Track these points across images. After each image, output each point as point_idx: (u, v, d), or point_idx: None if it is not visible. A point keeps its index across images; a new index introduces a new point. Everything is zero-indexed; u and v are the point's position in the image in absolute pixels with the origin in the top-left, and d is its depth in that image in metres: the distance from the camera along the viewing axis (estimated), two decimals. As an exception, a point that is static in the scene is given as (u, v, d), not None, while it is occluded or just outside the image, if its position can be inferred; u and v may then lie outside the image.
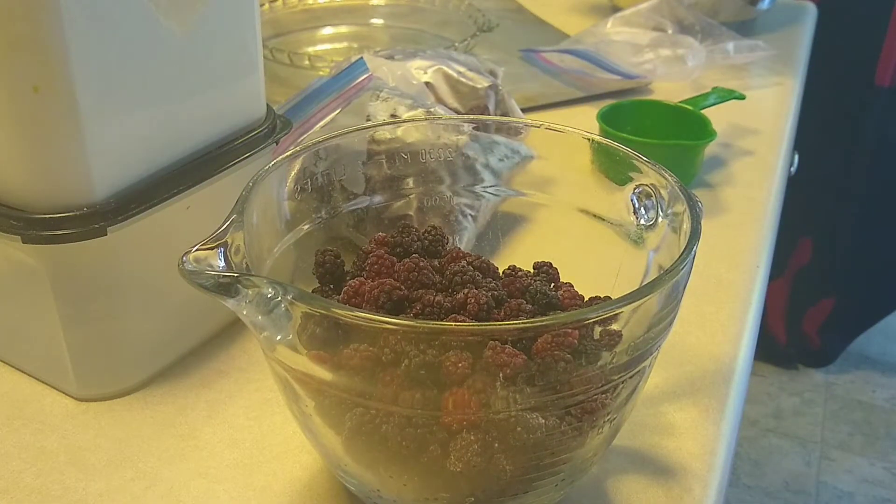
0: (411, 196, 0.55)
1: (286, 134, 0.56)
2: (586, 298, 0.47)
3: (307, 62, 0.88)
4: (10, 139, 0.45)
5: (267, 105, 0.56)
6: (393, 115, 0.63)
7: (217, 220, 0.40)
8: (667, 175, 0.45)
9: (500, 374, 0.37)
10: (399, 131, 0.53)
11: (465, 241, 0.57)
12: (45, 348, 0.51)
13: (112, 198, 0.47)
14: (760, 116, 0.89)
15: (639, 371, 0.40)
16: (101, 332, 0.50)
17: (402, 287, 0.44)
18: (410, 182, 0.54)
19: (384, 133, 0.54)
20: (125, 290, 0.50)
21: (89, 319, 0.49)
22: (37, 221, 0.45)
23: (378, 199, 0.54)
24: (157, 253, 0.49)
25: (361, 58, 0.69)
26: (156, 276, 0.50)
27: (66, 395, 0.52)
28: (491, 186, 0.55)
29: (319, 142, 0.48)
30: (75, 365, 0.50)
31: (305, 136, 0.64)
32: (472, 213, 0.58)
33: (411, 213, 0.55)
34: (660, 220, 0.46)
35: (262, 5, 1.01)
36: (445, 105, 0.72)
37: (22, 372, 0.53)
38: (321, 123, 0.64)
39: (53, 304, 0.48)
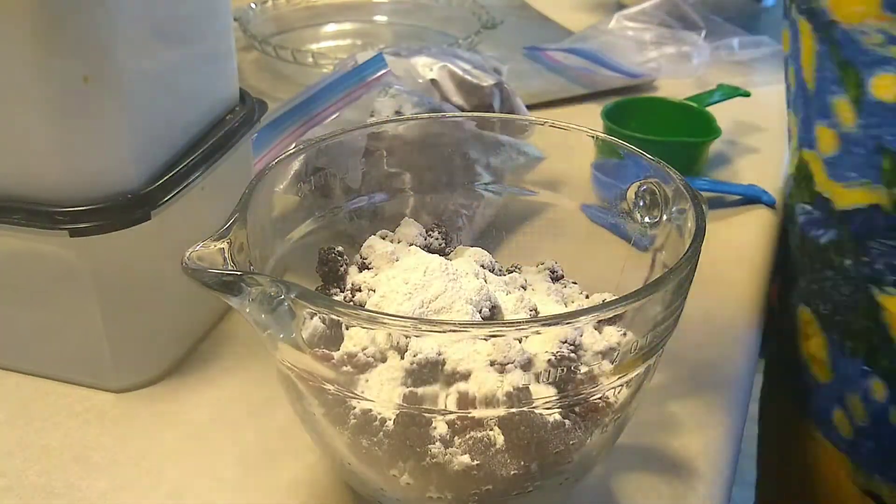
0: (408, 195, 0.54)
1: (266, 111, 0.59)
2: (590, 297, 0.47)
3: (311, 59, 0.88)
4: (56, 132, 0.45)
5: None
6: (398, 112, 0.63)
7: (224, 196, 0.40)
8: (671, 172, 0.45)
9: (504, 372, 0.37)
10: (401, 128, 0.53)
11: (461, 242, 0.57)
12: (81, 345, 0.51)
13: (147, 183, 0.48)
14: (765, 113, 0.89)
15: (643, 369, 0.40)
16: (140, 319, 0.50)
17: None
18: (408, 180, 0.54)
19: (385, 130, 0.53)
20: (160, 273, 0.50)
21: (129, 308, 0.50)
22: (83, 214, 0.46)
23: (377, 196, 0.54)
24: (182, 234, 0.49)
25: (380, 53, 0.69)
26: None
27: (103, 389, 0.52)
28: (491, 184, 0.54)
29: (321, 139, 0.48)
30: (115, 357, 0.50)
31: (316, 128, 0.64)
32: (468, 214, 0.57)
33: (406, 211, 0.55)
34: (664, 217, 0.46)
35: (265, 2, 1.01)
36: (451, 103, 0.71)
37: (40, 377, 0.53)
38: (333, 117, 0.64)
39: (94, 296, 0.48)
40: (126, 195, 0.47)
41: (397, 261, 0.45)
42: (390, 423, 0.38)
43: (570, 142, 0.50)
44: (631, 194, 0.47)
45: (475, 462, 0.38)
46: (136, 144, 0.47)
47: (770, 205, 0.73)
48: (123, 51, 0.45)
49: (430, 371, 0.37)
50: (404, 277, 0.42)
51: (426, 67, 0.73)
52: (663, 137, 0.75)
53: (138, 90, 0.46)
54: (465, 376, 0.37)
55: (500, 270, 0.48)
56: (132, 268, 0.49)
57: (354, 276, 0.45)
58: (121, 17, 0.44)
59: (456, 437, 0.38)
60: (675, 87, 0.92)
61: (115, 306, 0.49)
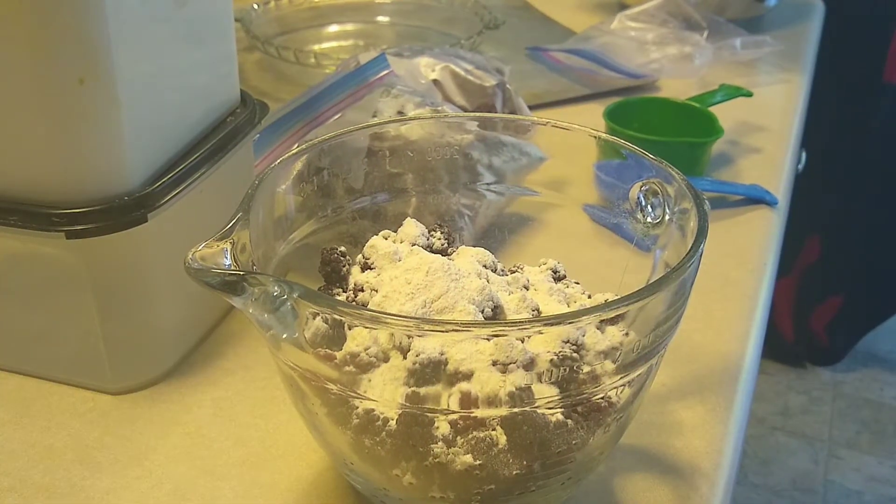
0: (411, 195, 0.54)
1: (267, 114, 0.58)
2: (593, 296, 0.47)
3: (313, 60, 0.88)
4: (51, 134, 0.45)
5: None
6: (400, 112, 0.63)
7: (224, 198, 0.40)
8: (673, 172, 0.45)
9: (506, 372, 0.37)
10: (403, 129, 0.53)
11: (463, 242, 0.57)
12: (78, 346, 0.51)
13: (145, 185, 0.48)
14: (768, 113, 0.89)
15: (646, 369, 0.40)
16: (137, 321, 0.50)
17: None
18: (410, 180, 0.54)
19: (388, 130, 0.54)
20: (158, 275, 0.50)
21: (126, 310, 0.50)
22: (80, 216, 0.46)
23: (379, 197, 0.54)
24: (181, 235, 0.49)
25: (383, 53, 0.69)
26: (181, 259, 0.51)
27: (101, 391, 0.52)
28: (493, 184, 0.54)
29: (324, 139, 0.48)
30: (112, 358, 0.50)
31: (318, 128, 0.64)
32: (470, 214, 0.57)
33: (409, 212, 0.55)
34: (666, 217, 0.46)
35: (268, 3, 1.01)
36: (453, 103, 0.72)
37: (39, 378, 0.53)
38: (336, 118, 0.64)
39: (92, 298, 0.48)
40: (123, 197, 0.47)
41: (399, 261, 0.45)
42: (393, 423, 0.38)
43: (572, 142, 0.50)
44: (633, 194, 0.47)
45: (478, 462, 0.38)
46: (134, 146, 0.47)
47: (772, 205, 0.73)
48: (119, 52, 0.45)
49: (432, 371, 0.37)
50: (407, 278, 0.42)
51: (428, 68, 0.73)
52: (665, 138, 0.75)
53: (135, 92, 0.46)
54: (468, 376, 0.37)
55: (502, 271, 0.48)
56: (130, 270, 0.49)
57: (357, 277, 0.45)
58: (116, 18, 0.44)
59: (458, 437, 0.38)
60: (677, 87, 0.92)
61: (113, 308, 0.49)
